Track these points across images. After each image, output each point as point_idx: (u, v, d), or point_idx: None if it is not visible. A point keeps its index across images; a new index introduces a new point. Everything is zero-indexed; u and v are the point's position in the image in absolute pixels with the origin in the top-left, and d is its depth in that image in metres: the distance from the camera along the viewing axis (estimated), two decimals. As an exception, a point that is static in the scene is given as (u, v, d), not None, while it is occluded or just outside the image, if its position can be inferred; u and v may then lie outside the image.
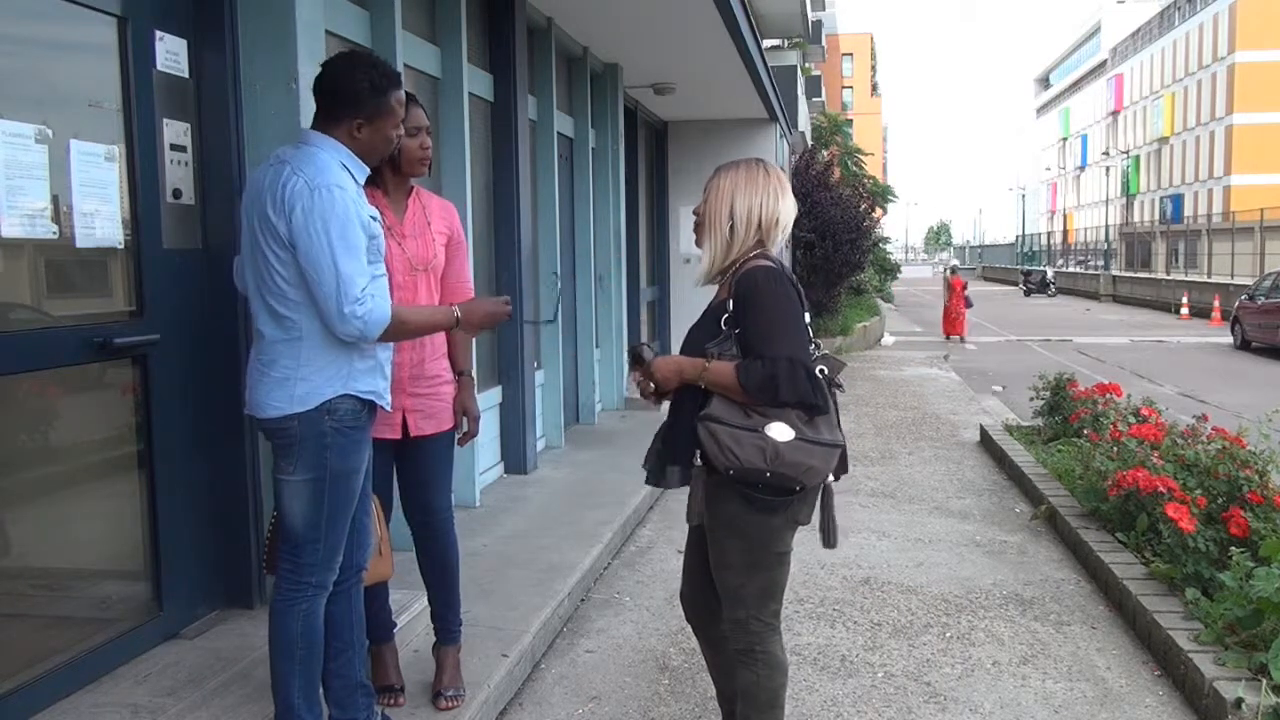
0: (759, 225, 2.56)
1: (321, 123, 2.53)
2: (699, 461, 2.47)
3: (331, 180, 2.41)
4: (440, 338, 3.03)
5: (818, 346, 2.54)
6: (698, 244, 2.66)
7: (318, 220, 2.36)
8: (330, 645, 2.66)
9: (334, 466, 2.50)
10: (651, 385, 2.54)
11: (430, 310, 2.67)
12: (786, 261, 15.39)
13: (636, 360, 2.56)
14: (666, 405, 2.62)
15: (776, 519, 2.48)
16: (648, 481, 2.63)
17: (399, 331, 2.51)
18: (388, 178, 2.95)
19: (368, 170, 2.59)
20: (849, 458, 2.60)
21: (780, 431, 2.38)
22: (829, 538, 2.58)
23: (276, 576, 2.59)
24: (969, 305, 19.66)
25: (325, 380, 2.47)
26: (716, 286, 2.67)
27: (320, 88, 2.53)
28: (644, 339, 11.66)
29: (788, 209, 2.61)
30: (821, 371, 2.46)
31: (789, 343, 2.41)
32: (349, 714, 2.67)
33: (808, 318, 2.53)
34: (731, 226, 2.56)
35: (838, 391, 2.55)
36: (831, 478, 2.51)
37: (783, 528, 2.51)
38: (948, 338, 19.23)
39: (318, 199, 2.37)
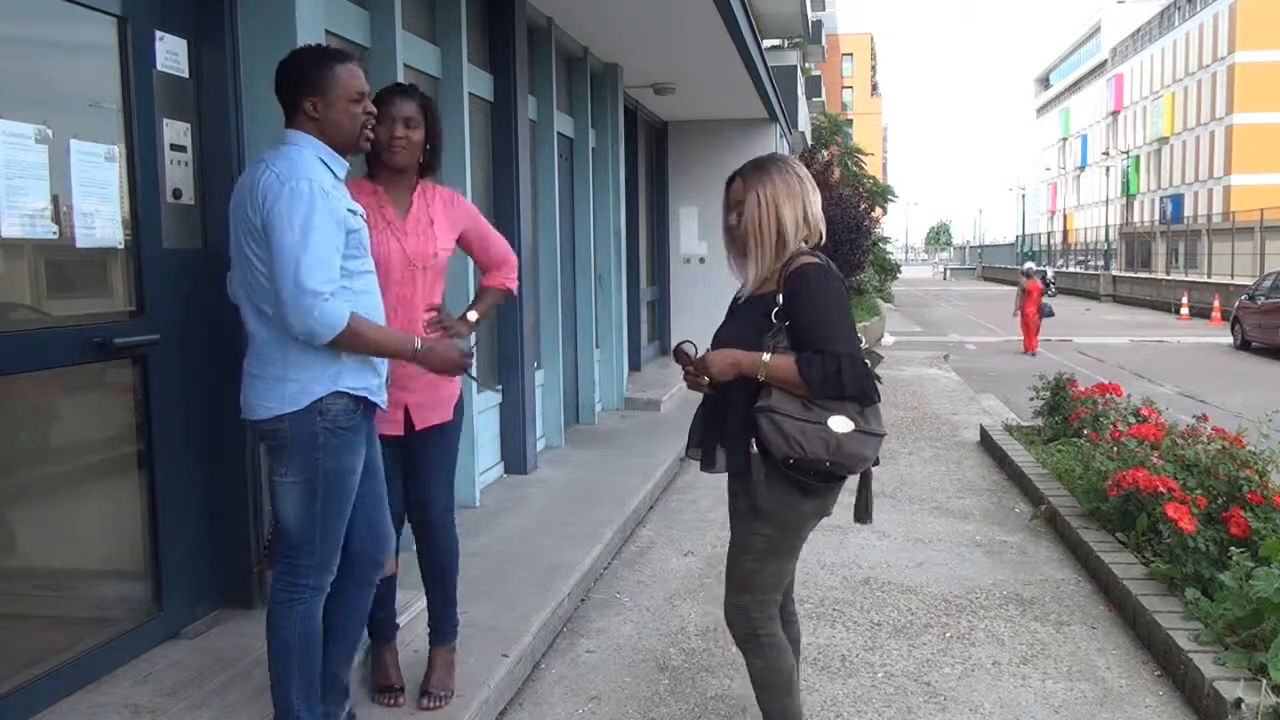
0: (808, 228, 2.63)
1: (290, 118, 2.55)
2: (754, 449, 2.53)
3: (302, 174, 2.42)
4: (438, 331, 3.03)
5: (860, 339, 2.60)
6: (738, 254, 2.67)
7: (285, 212, 2.37)
8: (328, 642, 2.67)
9: (327, 467, 2.50)
10: (706, 379, 2.59)
11: (391, 333, 2.59)
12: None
13: (682, 358, 2.62)
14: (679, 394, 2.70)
15: (810, 504, 2.58)
16: (702, 467, 2.69)
17: (350, 342, 2.44)
18: (383, 173, 2.96)
19: (346, 165, 2.60)
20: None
21: (840, 424, 2.47)
22: (865, 514, 2.70)
23: (273, 578, 2.58)
24: (1047, 314, 16.70)
25: (314, 378, 2.47)
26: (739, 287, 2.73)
27: (276, 85, 2.57)
28: (644, 339, 11.67)
29: (820, 207, 2.68)
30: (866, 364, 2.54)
31: (845, 339, 2.49)
32: (324, 708, 2.66)
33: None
34: (780, 237, 2.59)
35: (877, 384, 2.63)
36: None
37: (812, 515, 2.63)
38: (1029, 352, 16.33)
39: (286, 191, 2.38)
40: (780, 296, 2.54)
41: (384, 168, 2.96)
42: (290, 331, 2.40)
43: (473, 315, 3.15)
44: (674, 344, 2.65)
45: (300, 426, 2.47)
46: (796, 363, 2.47)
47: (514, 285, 3.26)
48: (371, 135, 2.70)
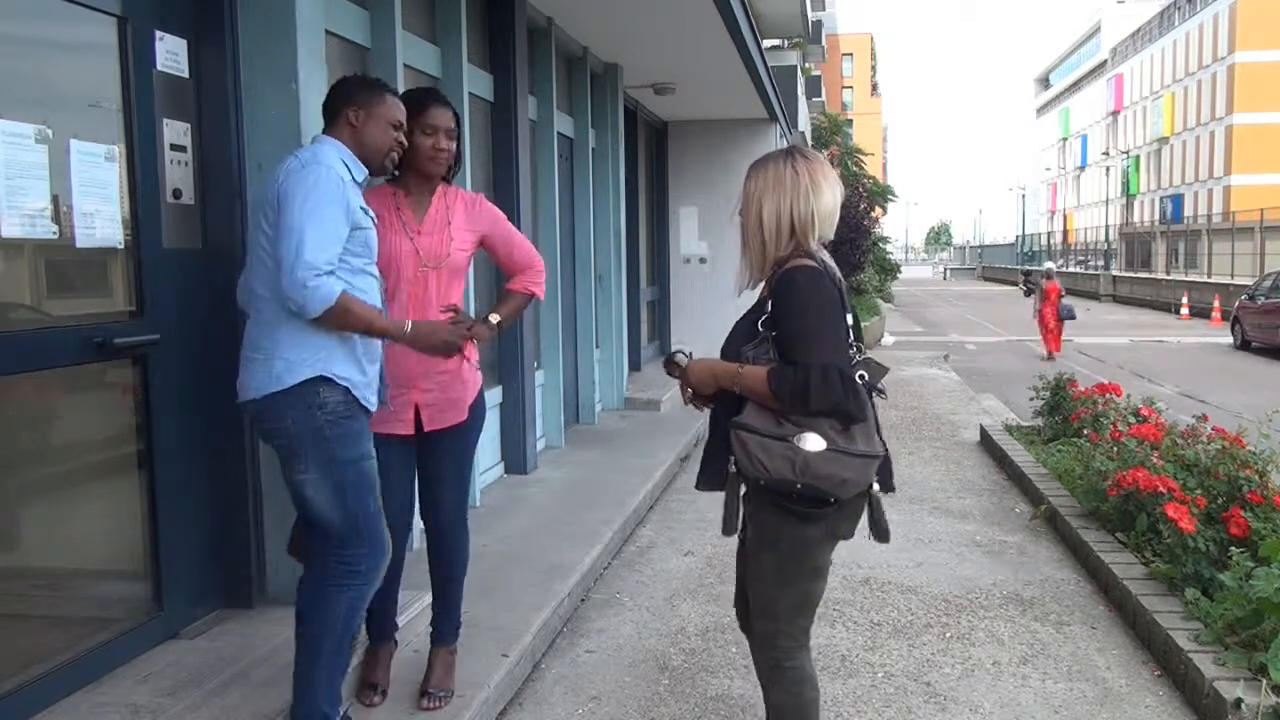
0: (791, 230, 2.41)
1: (328, 126, 2.69)
2: (734, 468, 2.36)
3: (323, 161, 2.51)
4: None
5: (859, 350, 2.41)
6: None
7: (297, 187, 2.46)
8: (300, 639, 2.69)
9: (341, 457, 2.56)
10: (690, 390, 2.49)
11: (379, 314, 2.62)
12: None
13: (672, 366, 2.52)
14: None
15: (811, 530, 2.38)
16: (695, 483, 2.54)
17: (340, 317, 2.48)
18: (410, 178, 2.98)
19: (366, 172, 2.67)
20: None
21: (812, 442, 2.26)
22: (881, 534, 2.43)
23: (327, 568, 2.62)
24: (1069, 317, 15.63)
25: (301, 359, 2.52)
26: (745, 289, 2.58)
27: (325, 99, 2.73)
28: (644, 339, 11.66)
29: (825, 204, 2.43)
30: (861, 377, 2.34)
31: (824, 349, 2.29)
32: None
33: (850, 319, 2.41)
34: (762, 235, 2.43)
35: (879, 398, 2.43)
36: (878, 486, 2.38)
37: (819, 540, 2.41)
38: (1050, 355, 15.44)
39: (304, 172, 2.49)
40: (769, 304, 2.38)
41: (414, 175, 2.97)
42: (284, 302, 2.44)
43: (495, 318, 3.14)
44: (672, 347, 2.54)
45: (302, 423, 2.52)
46: (768, 374, 2.30)
47: (539, 290, 3.22)
48: (396, 159, 2.77)
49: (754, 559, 2.50)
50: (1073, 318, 15.77)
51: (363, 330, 2.58)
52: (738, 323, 2.50)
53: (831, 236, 2.51)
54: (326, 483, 2.55)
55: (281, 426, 2.55)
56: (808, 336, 2.31)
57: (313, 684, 2.58)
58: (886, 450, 2.40)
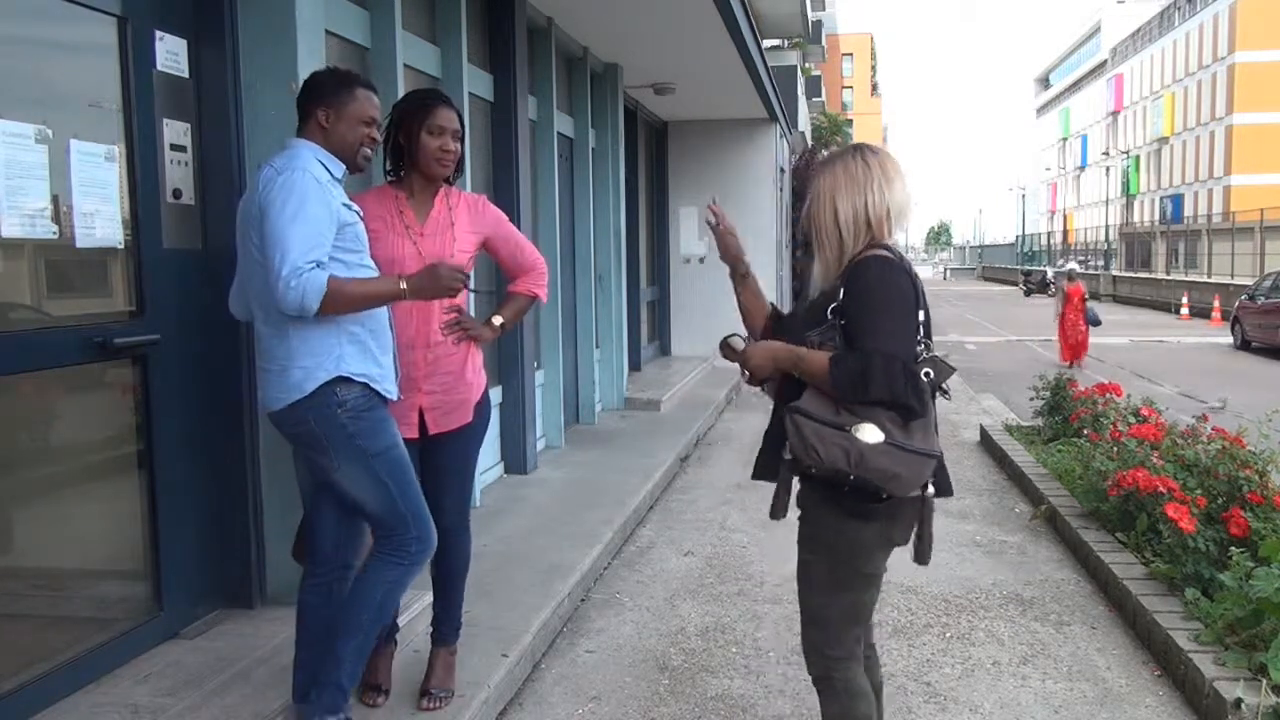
0: (868, 224, 2.36)
1: (301, 127, 2.68)
2: (788, 455, 2.31)
3: (298, 165, 2.51)
4: (456, 334, 3.01)
5: (927, 346, 2.33)
6: (812, 251, 2.50)
7: (277, 196, 2.46)
8: (301, 635, 2.73)
9: (370, 448, 2.59)
10: (747, 374, 2.44)
11: (373, 280, 2.62)
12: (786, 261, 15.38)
13: (727, 349, 2.49)
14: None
15: (868, 531, 2.33)
16: (751, 475, 2.50)
17: (339, 302, 2.47)
18: (414, 180, 2.96)
19: (344, 166, 2.67)
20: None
21: (869, 433, 2.20)
22: (922, 555, 2.39)
23: (375, 550, 2.68)
24: (1094, 323, 14.17)
25: (318, 364, 2.54)
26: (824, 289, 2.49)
27: (298, 96, 2.71)
28: (644, 339, 11.66)
29: (899, 195, 2.40)
30: (926, 374, 2.27)
31: (889, 338, 2.22)
32: (316, 710, 2.66)
33: (922, 315, 2.34)
34: (839, 232, 2.37)
35: (943, 398, 2.38)
36: (931, 489, 2.33)
37: (874, 544, 2.36)
38: (1070, 364, 13.85)
39: (281, 179, 2.49)
40: (841, 291, 2.31)
41: (418, 176, 2.95)
42: (283, 309, 2.45)
43: (498, 320, 3.13)
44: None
45: (325, 423, 2.55)
46: (830, 360, 2.23)
47: (542, 292, 3.20)
48: (370, 154, 2.74)
49: (804, 565, 2.43)
50: (1098, 323, 14.44)
51: (366, 304, 2.57)
52: (807, 308, 2.44)
53: (906, 228, 2.49)
54: (364, 478, 2.58)
55: (305, 430, 2.57)
56: (874, 324, 2.24)
57: (339, 662, 2.60)
58: (940, 452, 2.34)
